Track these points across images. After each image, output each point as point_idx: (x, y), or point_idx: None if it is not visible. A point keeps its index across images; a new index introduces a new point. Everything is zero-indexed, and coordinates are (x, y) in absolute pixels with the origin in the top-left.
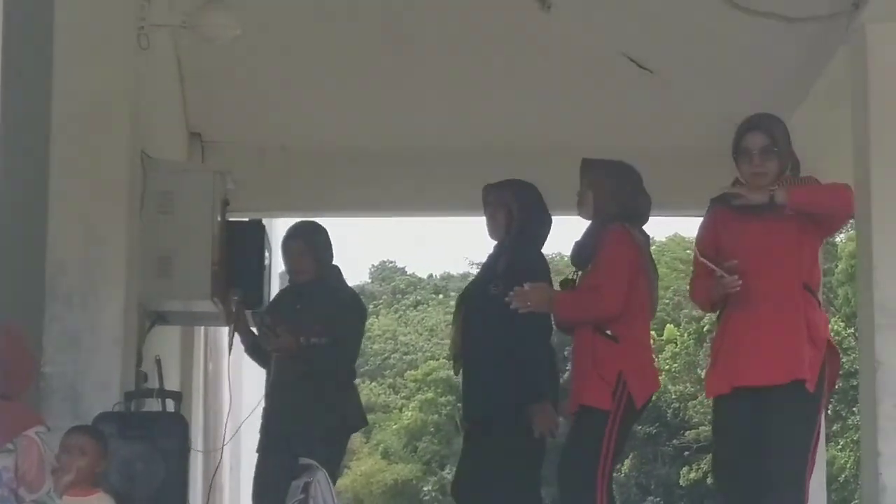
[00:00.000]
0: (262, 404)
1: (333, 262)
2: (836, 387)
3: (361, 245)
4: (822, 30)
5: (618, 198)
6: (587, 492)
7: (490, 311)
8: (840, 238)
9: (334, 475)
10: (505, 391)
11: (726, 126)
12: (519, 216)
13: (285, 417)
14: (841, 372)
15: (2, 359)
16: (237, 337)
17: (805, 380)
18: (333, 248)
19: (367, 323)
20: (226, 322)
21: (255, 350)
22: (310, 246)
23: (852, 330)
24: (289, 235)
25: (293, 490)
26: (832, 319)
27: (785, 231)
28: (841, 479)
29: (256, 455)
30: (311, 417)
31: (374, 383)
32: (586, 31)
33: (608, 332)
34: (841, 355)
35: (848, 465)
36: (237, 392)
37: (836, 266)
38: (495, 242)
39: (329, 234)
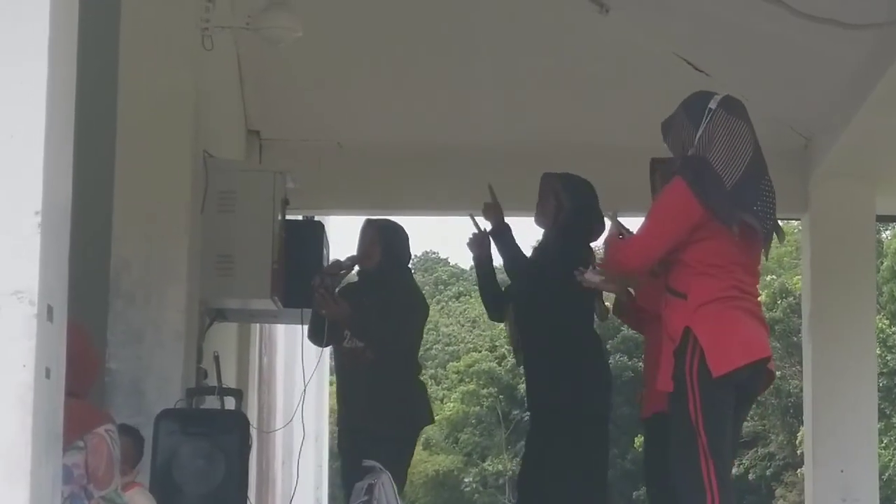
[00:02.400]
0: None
1: (407, 265)
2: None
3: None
4: (882, 35)
5: None
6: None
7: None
8: (885, 235)
9: (401, 475)
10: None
11: (786, 129)
12: (568, 207)
13: (354, 413)
14: (885, 370)
15: (70, 357)
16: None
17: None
18: (409, 252)
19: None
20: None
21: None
22: (383, 238)
23: None
24: (368, 222)
25: (356, 492)
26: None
27: None
28: (884, 476)
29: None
30: (378, 415)
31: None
32: (642, 32)
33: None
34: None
35: (892, 464)
36: (289, 387)
37: (882, 263)
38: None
39: (407, 239)
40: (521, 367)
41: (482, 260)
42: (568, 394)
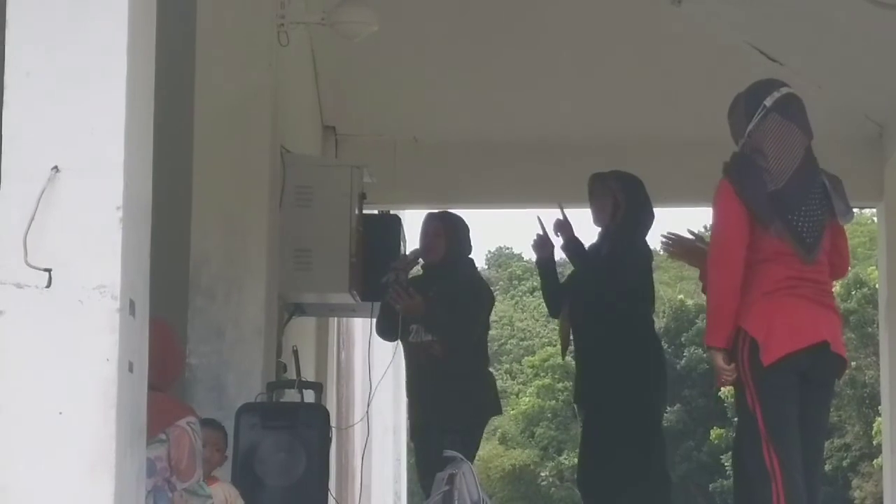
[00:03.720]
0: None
1: (469, 256)
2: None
3: (478, 231)
4: None
5: None
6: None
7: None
8: None
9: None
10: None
11: (860, 117)
12: (624, 205)
13: (424, 406)
14: None
15: (153, 352)
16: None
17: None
18: (471, 244)
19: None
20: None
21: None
22: (447, 230)
23: None
24: (431, 216)
25: (437, 482)
26: None
27: None
28: None
29: (412, 442)
30: (448, 407)
31: (490, 369)
32: (714, 23)
33: None
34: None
35: None
36: (367, 381)
37: None
38: (600, 230)
39: (469, 231)
40: (574, 361)
41: (544, 261)
42: (626, 392)
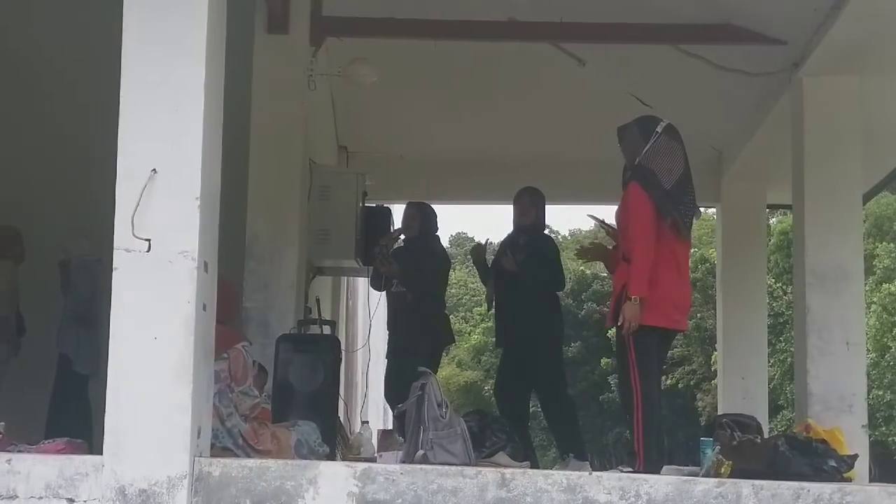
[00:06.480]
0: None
1: (435, 234)
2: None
3: (444, 220)
4: (772, 81)
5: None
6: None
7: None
8: (773, 220)
9: None
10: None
11: (706, 146)
12: (539, 214)
13: (400, 335)
14: (771, 313)
15: (220, 298)
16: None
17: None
18: (437, 225)
19: (449, 273)
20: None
21: (376, 279)
22: (420, 214)
23: (780, 284)
24: (409, 204)
25: (413, 389)
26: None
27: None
28: (771, 385)
29: (386, 359)
30: (416, 336)
31: (451, 315)
32: (606, 78)
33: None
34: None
35: (775, 377)
36: (366, 320)
37: (770, 239)
38: (519, 225)
39: (436, 216)
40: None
41: (479, 263)
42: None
